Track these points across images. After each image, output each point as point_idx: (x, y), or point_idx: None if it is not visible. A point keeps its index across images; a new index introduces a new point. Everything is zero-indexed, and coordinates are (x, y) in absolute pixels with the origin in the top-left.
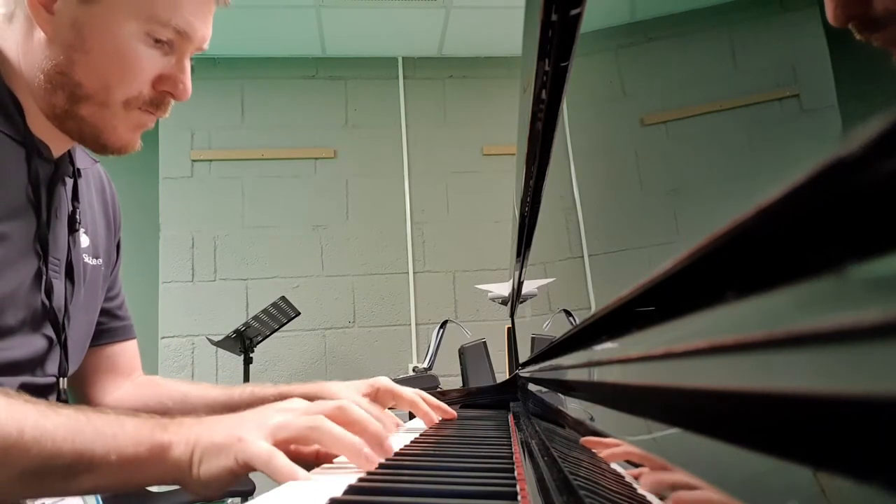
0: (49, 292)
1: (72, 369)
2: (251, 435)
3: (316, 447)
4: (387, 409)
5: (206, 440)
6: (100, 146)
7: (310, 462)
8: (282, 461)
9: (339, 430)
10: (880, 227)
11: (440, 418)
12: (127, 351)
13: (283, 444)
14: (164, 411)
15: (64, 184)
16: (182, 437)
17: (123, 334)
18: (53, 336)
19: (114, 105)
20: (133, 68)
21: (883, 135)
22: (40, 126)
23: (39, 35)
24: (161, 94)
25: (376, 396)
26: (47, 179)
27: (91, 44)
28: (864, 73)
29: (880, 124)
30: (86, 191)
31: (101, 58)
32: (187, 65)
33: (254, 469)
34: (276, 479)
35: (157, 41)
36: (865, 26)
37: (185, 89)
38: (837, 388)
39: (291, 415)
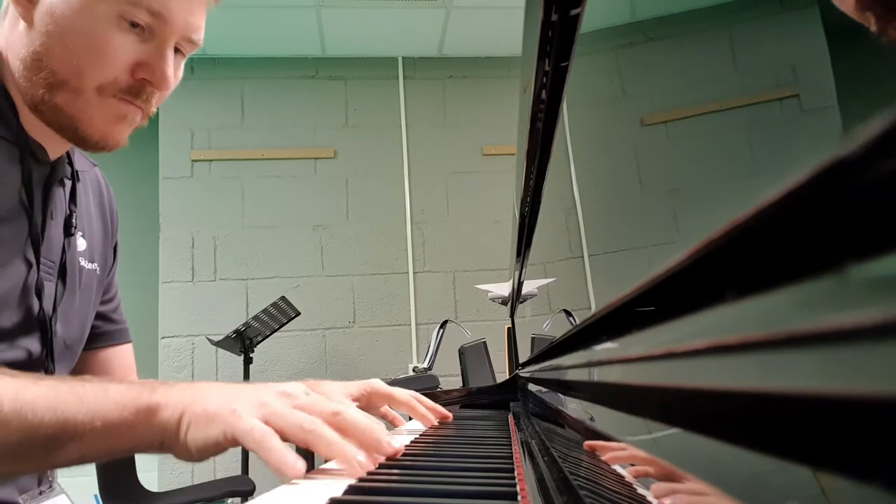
0: (39, 294)
1: (60, 373)
2: (245, 410)
3: None
4: (386, 407)
5: (198, 406)
6: (79, 138)
7: (303, 450)
8: (275, 443)
9: (333, 435)
10: (880, 227)
11: (437, 420)
12: (122, 355)
13: None
14: None
15: (62, 186)
16: (172, 399)
17: (119, 338)
18: (40, 339)
19: (87, 91)
20: (104, 52)
21: (883, 135)
22: (36, 127)
23: (22, 24)
24: (140, 83)
25: (370, 400)
26: (42, 181)
27: (64, 28)
28: (864, 73)
29: (880, 124)
30: (83, 194)
31: (74, 41)
32: (168, 53)
33: (241, 445)
34: (268, 462)
35: (134, 25)
36: (874, 14)
37: (162, 76)
38: (837, 388)
39: (288, 403)
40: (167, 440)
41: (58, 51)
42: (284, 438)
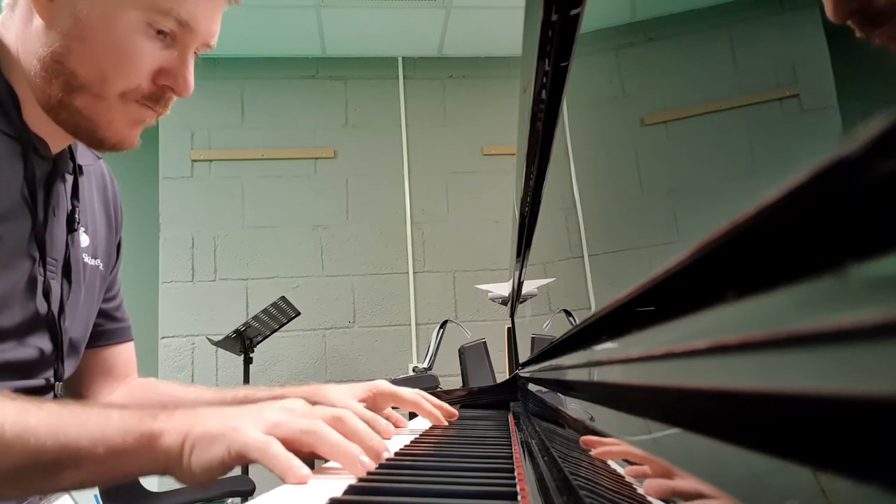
0: (47, 294)
1: (68, 372)
2: (247, 425)
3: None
4: (389, 409)
5: (200, 429)
6: (96, 141)
7: (306, 459)
8: (279, 450)
9: (336, 436)
10: (880, 227)
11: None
12: (124, 353)
13: None
14: None
15: (63, 181)
16: (173, 425)
17: (121, 336)
18: (49, 339)
19: (110, 97)
20: (131, 59)
21: (883, 135)
22: (38, 121)
23: (38, 22)
24: (161, 89)
25: (375, 401)
26: (44, 177)
27: (89, 32)
28: (864, 73)
29: (880, 124)
30: (87, 189)
31: (99, 47)
32: (190, 60)
33: (247, 461)
34: (273, 469)
35: (159, 32)
36: (865, 22)
37: (185, 84)
38: (837, 388)
39: (289, 414)
40: (170, 465)
41: (80, 54)
42: (290, 447)
